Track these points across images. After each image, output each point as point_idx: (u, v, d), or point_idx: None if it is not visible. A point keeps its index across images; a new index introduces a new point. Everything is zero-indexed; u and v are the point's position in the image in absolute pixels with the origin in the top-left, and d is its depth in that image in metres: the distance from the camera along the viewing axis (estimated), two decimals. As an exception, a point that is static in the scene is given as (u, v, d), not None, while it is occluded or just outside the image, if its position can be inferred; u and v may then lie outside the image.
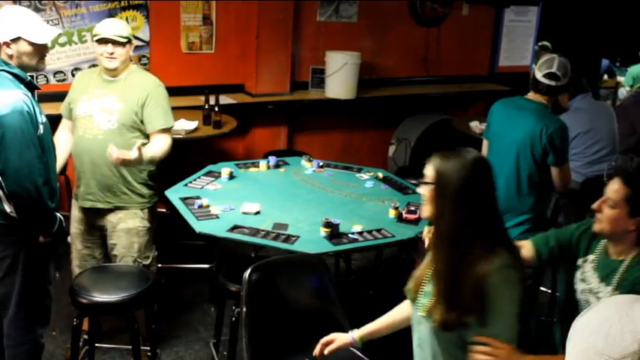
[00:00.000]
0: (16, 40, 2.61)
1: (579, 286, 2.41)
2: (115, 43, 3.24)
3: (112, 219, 3.39)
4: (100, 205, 3.37)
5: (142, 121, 3.33)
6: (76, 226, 3.48)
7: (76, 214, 3.47)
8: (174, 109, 4.74)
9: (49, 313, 2.93)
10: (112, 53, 3.25)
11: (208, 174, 3.76)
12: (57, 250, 2.97)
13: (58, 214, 2.74)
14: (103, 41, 3.25)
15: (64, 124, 3.49)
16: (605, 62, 8.59)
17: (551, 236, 2.54)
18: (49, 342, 3.67)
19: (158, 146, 3.33)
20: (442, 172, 1.89)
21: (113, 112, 3.29)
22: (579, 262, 2.43)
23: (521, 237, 3.42)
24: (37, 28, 2.67)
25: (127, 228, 3.39)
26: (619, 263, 2.29)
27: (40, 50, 2.69)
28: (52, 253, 2.88)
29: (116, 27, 3.28)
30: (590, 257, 2.39)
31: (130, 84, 3.34)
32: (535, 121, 3.28)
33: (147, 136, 3.38)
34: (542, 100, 3.36)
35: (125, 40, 3.27)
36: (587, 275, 2.39)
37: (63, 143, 3.41)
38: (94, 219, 3.43)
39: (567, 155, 3.38)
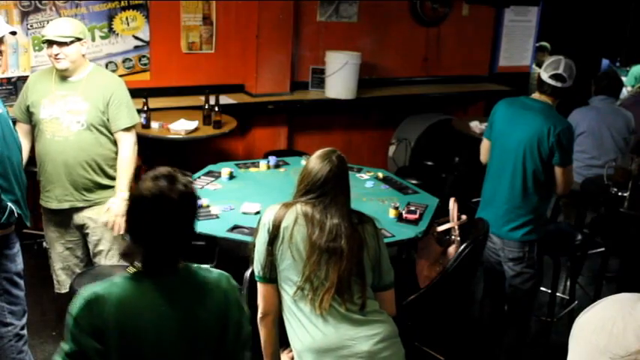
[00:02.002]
0: None
1: None
2: (59, 44, 3.18)
3: (91, 215, 3.39)
4: (79, 205, 3.35)
5: (107, 119, 3.33)
6: (53, 230, 3.45)
7: (50, 218, 3.44)
8: (174, 109, 4.82)
9: (24, 303, 2.89)
10: (57, 54, 3.19)
11: (208, 174, 3.76)
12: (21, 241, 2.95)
13: (10, 205, 2.69)
14: (48, 43, 3.20)
15: (20, 128, 3.29)
16: (605, 62, 8.58)
17: None
18: (49, 342, 3.67)
19: (127, 160, 3.36)
20: None
21: (81, 112, 3.27)
22: None
23: (524, 238, 3.43)
24: None
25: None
26: None
27: None
28: (16, 243, 2.84)
29: (60, 27, 3.21)
30: None
31: (92, 84, 3.31)
32: (542, 120, 3.28)
33: (111, 133, 3.37)
34: (547, 101, 3.36)
35: (70, 40, 3.19)
36: None
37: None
38: (72, 219, 3.41)
39: (572, 156, 3.39)
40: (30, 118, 3.33)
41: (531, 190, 3.37)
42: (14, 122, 3.11)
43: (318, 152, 2.43)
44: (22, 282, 2.87)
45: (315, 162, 2.38)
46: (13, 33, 2.94)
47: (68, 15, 4.53)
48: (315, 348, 2.26)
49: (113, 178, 3.40)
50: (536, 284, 3.57)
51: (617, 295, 1.08)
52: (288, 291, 2.31)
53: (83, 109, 3.27)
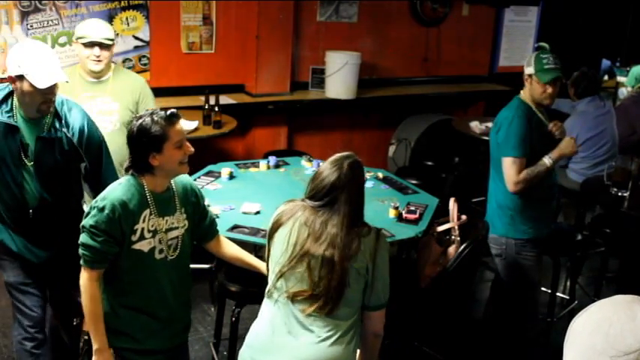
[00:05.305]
0: (20, 77, 2.51)
1: None
2: (102, 46, 3.23)
3: None
4: None
5: None
6: None
7: None
8: (174, 109, 4.80)
9: (29, 311, 2.93)
10: (98, 56, 3.24)
11: (208, 174, 3.76)
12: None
13: None
14: (90, 44, 3.23)
15: None
16: (605, 62, 8.58)
17: None
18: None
19: None
20: None
21: (112, 113, 3.31)
22: None
23: (500, 233, 3.40)
24: (40, 70, 2.50)
25: None
26: None
27: (43, 93, 2.53)
28: None
29: (104, 30, 3.26)
30: None
31: (119, 83, 3.35)
32: (499, 113, 3.32)
33: None
34: (520, 94, 3.33)
35: (112, 43, 3.28)
36: None
37: None
38: None
39: (511, 149, 3.19)
40: None
41: (502, 186, 3.30)
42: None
43: (333, 156, 2.29)
44: (15, 293, 2.88)
45: (325, 166, 2.26)
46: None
47: (68, 15, 4.54)
48: (248, 343, 2.26)
49: None
50: (524, 284, 3.49)
51: (612, 297, 1.08)
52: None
53: (114, 109, 3.32)
